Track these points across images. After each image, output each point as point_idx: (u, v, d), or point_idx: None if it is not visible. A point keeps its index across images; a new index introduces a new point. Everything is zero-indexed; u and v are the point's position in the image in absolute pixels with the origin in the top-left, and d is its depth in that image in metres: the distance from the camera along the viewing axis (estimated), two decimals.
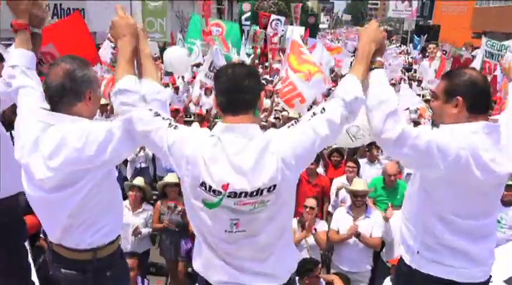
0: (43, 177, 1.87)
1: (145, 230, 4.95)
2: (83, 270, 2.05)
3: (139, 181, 5.11)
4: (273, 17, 21.09)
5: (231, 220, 1.75)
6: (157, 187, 5.50)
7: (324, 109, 1.83)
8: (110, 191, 2.05)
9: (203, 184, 1.72)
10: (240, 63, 1.99)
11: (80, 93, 1.95)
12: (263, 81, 13.27)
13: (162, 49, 19.72)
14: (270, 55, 16.62)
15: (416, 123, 7.11)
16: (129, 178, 6.75)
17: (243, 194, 1.70)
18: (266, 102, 8.66)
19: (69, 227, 1.98)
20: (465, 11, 36.03)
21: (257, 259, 1.82)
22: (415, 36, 27.82)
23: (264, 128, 2.10)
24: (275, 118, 8.03)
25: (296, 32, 8.36)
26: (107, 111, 8.37)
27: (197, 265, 1.96)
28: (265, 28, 20.42)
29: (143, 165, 6.77)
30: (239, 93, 1.78)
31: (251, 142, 1.73)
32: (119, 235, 2.19)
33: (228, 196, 1.70)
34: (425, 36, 26.33)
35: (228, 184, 1.69)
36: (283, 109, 8.48)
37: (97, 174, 1.91)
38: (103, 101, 8.70)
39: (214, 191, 1.71)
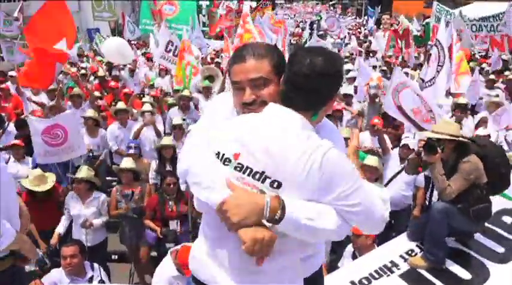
0: None
1: (97, 221, 4.72)
2: None
3: (83, 172, 4.82)
4: None
5: None
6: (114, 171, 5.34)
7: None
8: None
9: (217, 154, 1.55)
10: (322, 50, 1.58)
11: None
12: (218, 60, 13.09)
13: (113, 31, 19.02)
14: (225, 34, 16.33)
15: (375, 96, 7.20)
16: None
17: (248, 171, 1.50)
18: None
19: None
20: None
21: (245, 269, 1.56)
22: (369, 8, 28.14)
23: None
24: None
25: (246, 4, 8.39)
26: (54, 97, 7.94)
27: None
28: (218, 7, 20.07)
29: (95, 153, 6.53)
30: (302, 90, 1.52)
31: (293, 131, 1.49)
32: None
33: (235, 168, 1.51)
34: (380, 7, 26.68)
35: (239, 153, 1.51)
36: None
37: None
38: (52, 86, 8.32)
39: (226, 159, 1.53)
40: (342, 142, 1.75)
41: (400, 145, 5.35)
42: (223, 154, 1.53)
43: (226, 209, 1.45)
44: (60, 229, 4.76)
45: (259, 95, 1.59)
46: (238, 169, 1.50)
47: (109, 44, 9.28)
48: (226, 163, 1.52)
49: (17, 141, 5.66)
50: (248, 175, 1.49)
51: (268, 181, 1.47)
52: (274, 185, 1.46)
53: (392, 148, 5.53)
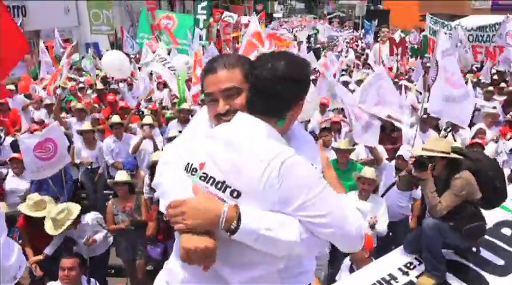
0: None
1: (99, 236, 4.68)
2: None
3: (123, 176, 4.93)
4: (226, 13, 21.03)
5: None
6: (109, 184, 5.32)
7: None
8: None
9: (187, 165, 1.56)
10: (285, 55, 1.57)
11: None
12: None
13: (112, 45, 19.17)
14: (224, 45, 16.46)
15: None
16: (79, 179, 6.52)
17: (211, 181, 1.49)
18: None
19: None
20: None
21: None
22: (366, 22, 28.40)
23: None
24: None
25: (254, 22, 8.31)
26: (53, 112, 7.98)
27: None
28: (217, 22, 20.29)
29: (94, 165, 6.50)
30: (263, 94, 1.51)
31: (257, 139, 1.47)
32: None
33: (200, 178, 1.51)
34: (377, 21, 26.92)
35: (204, 163, 1.51)
36: None
37: None
38: (48, 100, 8.35)
39: (193, 169, 1.54)
40: (315, 152, 1.67)
41: (396, 155, 5.36)
42: (191, 164, 1.54)
43: (183, 210, 1.43)
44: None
45: (233, 105, 1.57)
46: (203, 178, 1.50)
47: (109, 58, 9.34)
48: (193, 173, 1.53)
49: (16, 155, 5.61)
50: (211, 184, 1.48)
51: (228, 190, 1.45)
52: (234, 195, 1.44)
53: (389, 160, 5.52)
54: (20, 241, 4.66)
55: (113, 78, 11.00)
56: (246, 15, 25.15)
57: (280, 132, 1.56)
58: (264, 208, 1.43)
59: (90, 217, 4.70)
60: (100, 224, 4.73)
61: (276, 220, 1.42)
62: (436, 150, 3.56)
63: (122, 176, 4.87)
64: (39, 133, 5.39)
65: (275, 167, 1.40)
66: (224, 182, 1.46)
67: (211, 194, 1.47)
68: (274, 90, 1.50)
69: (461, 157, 3.63)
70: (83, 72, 13.23)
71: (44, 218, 4.56)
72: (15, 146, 6.17)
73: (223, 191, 1.45)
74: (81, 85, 10.43)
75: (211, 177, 1.48)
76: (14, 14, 17.16)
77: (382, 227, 4.49)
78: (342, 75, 13.12)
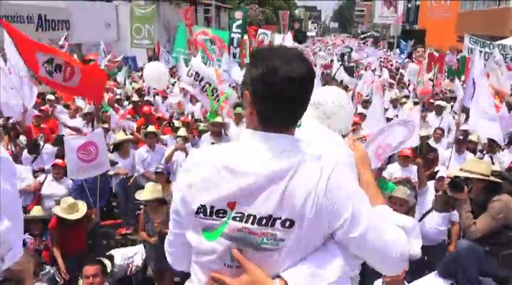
0: None
1: (138, 259, 4.89)
2: None
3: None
4: (260, 31, 21.32)
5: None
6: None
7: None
8: None
9: (200, 208, 1.36)
10: (298, 55, 1.36)
11: None
12: None
13: (150, 59, 19.72)
14: None
15: None
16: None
17: (251, 219, 1.33)
18: None
19: None
20: (450, 16, 36.53)
21: None
22: (402, 41, 28.12)
23: None
24: None
25: (289, 39, 8.43)
26: (92, 121, 8.23)
27: None
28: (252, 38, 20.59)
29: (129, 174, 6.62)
30: (292, 103, 1.33)
31: (281, 154, 1.33)
32: None
33: (234, 219, 1.34)
34: (412, 41, 26.65)
35: (235, 201, 1.33)
36: None
37: None
38: (86, 110, 8.63)
39: (217, 212, 1.34)
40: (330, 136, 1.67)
41: (436, 177, 5.18)
42: (212, 207, 1.34)
43: None
44: None
45: None
46: (238, 219, 1.33)
47: (150, 69, 9.63)
48: (219, 216, 1.34)
49: (59, 161, 5.80)
50: (252, 223, 1.32)
51: (278, 222, 1.31)
52: (287, 225, 1.31)
53: None
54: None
55: (148, 90, 11.28)
56: (280, 33, 25.37)
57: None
58: (319, 233, 1.35)
59: (118, 261, 4.83)
60: (129, 257, 4.90)
61: (318, 271, 1.34)
62: (474, 172, 3.44)
63: (147, 194, 5.00)
64: (85, 136, 5.64)
65: (321, 187, 1.31)
66: (271, 216, 1.31)
67: (257, 233, 1.32)
68: (300, 95, 1.33)
69: (500, 180, 3.50)
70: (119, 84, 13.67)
71: (76, 220, 4.73)
72: (57, 144, 6.47)
73: (272, 225, 1.32)
74: (117, 97, 10.76)
75: (250, 215, 1.32)
76: (58, 28, 18.03)
77: (415, 249, 4.34)
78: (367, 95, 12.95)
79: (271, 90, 1.29)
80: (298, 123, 1.42)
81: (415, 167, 5.40)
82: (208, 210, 1.35)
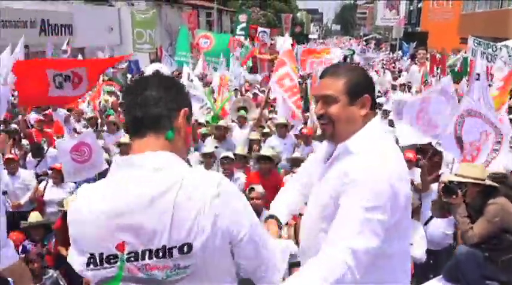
0: None
1: None
2: None
3: None
4: (260, 29, 21.36)
5: None
6: None
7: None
8: None
9: (90, 258, 1.27)
10: (157, 74, 1.44)
11: None
12: (255, 91, 13.23)
13: (152, 62, 19.77)
14: (259, 66, 16.63)
15: None
16: None
17: (147, 254, 1.24)
18: (257, 112, 8.58)
19: None
20: (452, 17, 36.48)
21: None
22: (404, 43, 28.09)
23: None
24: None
25: (288, 41, 8.50)
26: (96, 124, 8.27)
27: None
28: (253, 39, 20.62)
29: None
30: (145, 106, 1.32)
31: (156, 174, 1.26)
32: None
33: (129, 260, 1.25)
34: (414, 43, 26.61)
35: (123, 242, 1.24)
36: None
37: None
38: (89, 114, 8.65)
39: (107, 258, 1.25)
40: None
41: (440, 181, 5.14)
42: (100, 254, 1.26)
43: None
44: None
45: (327, 111, 1.68)
46: (133, 258, 1.24)
47: (151, 69, 9.65)
48: (111, 262, 1.26)
49: (57, 165, 5.79)
50: (150, 258, 1.24)
51: (175, 251, 1.23)
52: (185, 250, 1.22)
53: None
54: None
55: None
56: (282, 35, 25.41)
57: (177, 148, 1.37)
58: (221, 252, 1.28)
59: None
60: None
61: None
62: (467, 176, 3.45)
63: None
64: (75, 137, 5.70)
65: (209, 189, 1.25)
66: (165, 246, 1.23)
67: (157, 267, 1.24)
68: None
69: (496, 184, 3.48)
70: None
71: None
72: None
73: (170, 256, 1.23)
74: (121, 100, 10.79)
75: (144, 251, 1.23)
76: (61, 32, 18.11)
77: (418, 252, 4.30)
78: (378, 96, 12.94)
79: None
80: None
81: (418, 170, 5.37)
82: (97, 259, 1.26)
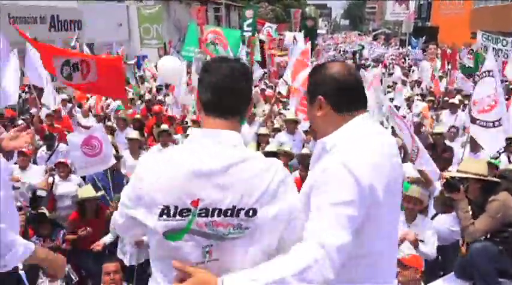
0: None
1: (146, 238, 4.78)
2: None
3: None
4: (267, 24, 21.30)
5: (203, 247, 1.42)
6: None
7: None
8: None
9: (164, 209, 1.40)
10: (235, 59, 1.62)
11: None
12: (263, 87, 13.22)
13: (161, 57, 19.83)
14: (268, 61, 16.58)
15: (420, 125, 7.02)
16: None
17: (216, 212, 1.40)
18: (266, 107, 8.57)
19: None
20: (463, 12, 36.01)
21: None
22: (413, 38, 27.78)
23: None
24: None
25: (301, 41, 8.47)
26: (104, 120, 8.31)
27: None
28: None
29: None
30: (233, 94, 1.51)
31: (235, 149, 1.48)
32: None
33: (200, 215, 1.41)
34: (424, 38, 26.29)
35: (198, 199, 1.40)
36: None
37: None
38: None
39: (181, 211, 1.40)
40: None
41: (442, 176, 5.10)
42: (175, 207, 1.40)
43: None
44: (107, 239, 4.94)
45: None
46: (204, 214, 1.41)
47: (166, 61, 9.61)
48: (184, 215, 1.40)
49: (63, 159, 5.85)
50: (218, 216, 1.41)
51: (242, 212, 1.41)
52: (250, 214, 1.42)
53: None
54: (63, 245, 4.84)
55: (160, 90, 11.31)
56: (291, 31, 25.26)
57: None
58: (281, 215, 1.46)
59: None
60: None
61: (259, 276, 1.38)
62: (469, 172, 3.44)
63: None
64: (85, 131, 5.76)
65: (277, 172, 1.46)
66: (235, 207, 1.41)
67: (222, 225, 1.41)
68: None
69: (498, 180, 3.48)
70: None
71: (96, 212, 5.01)
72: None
73: (237, 216, 1.41)
74: (130, 96, 10.83)
75: (215, 209, 1.41)
76: (70, 28, 18.20)
77: (429, 249, 4.26)
78: (388, 92, 12.84)
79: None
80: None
81: (410, 165, 5.33)
82: (172, 211, 1.40)
